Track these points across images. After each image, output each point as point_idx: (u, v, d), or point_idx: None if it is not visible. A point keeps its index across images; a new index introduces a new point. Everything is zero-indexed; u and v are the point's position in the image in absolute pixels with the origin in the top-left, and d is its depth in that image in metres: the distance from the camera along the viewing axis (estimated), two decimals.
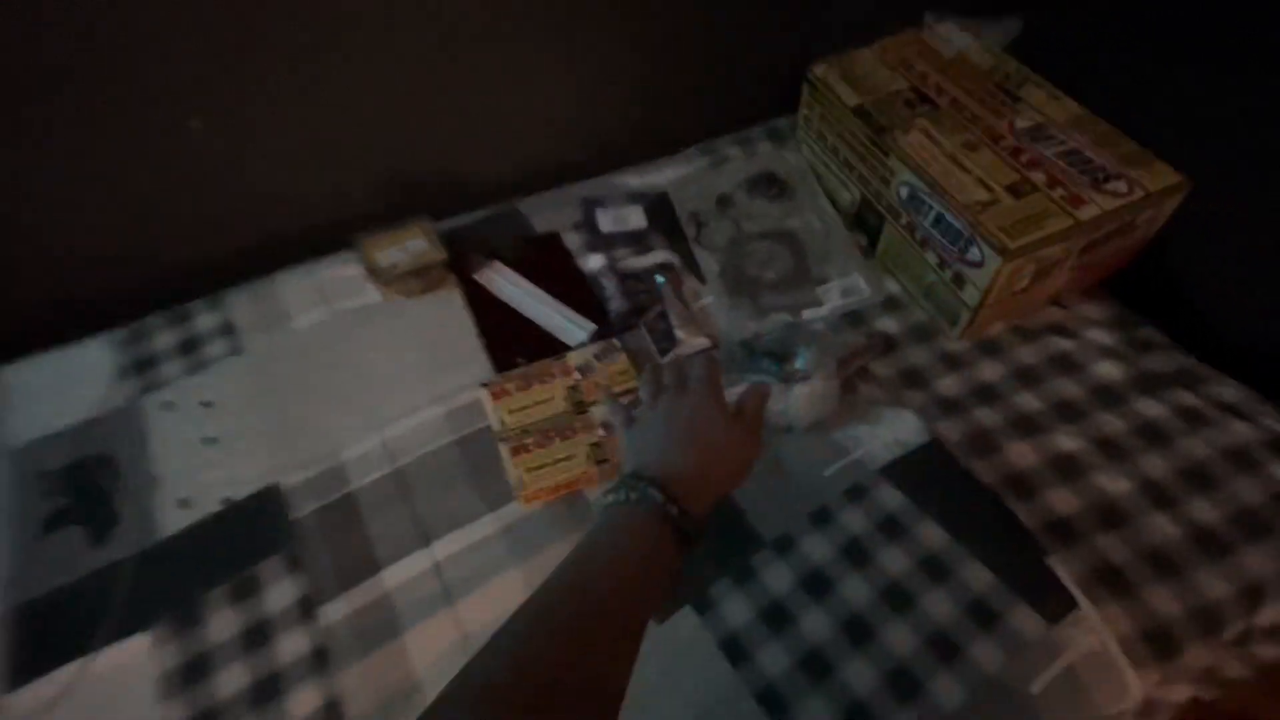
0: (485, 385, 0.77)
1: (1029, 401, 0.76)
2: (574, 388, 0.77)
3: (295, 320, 0.86)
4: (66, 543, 0.68)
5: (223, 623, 0.63)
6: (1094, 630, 0.60)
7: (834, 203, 0.97)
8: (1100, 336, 0.81)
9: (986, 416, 0.75)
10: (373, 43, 0.84)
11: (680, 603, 0.63)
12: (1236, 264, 0.79)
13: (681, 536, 0.43)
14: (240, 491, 0.72)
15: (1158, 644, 0.59)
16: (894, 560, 0.65)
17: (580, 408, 0.76)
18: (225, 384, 0.81)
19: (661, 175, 1.04)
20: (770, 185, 1.00)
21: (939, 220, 0.77)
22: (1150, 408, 0.74)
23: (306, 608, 0.64)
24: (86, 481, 0.73)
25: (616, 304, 0.87)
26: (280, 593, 0.65)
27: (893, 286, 0.89)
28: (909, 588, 0.63)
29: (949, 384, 0.79)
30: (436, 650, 0.61)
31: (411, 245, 0.88)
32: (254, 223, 0.94)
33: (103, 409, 0.78)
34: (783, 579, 0.65)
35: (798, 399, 0.74)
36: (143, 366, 0.82)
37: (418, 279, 0.88)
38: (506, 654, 0.36)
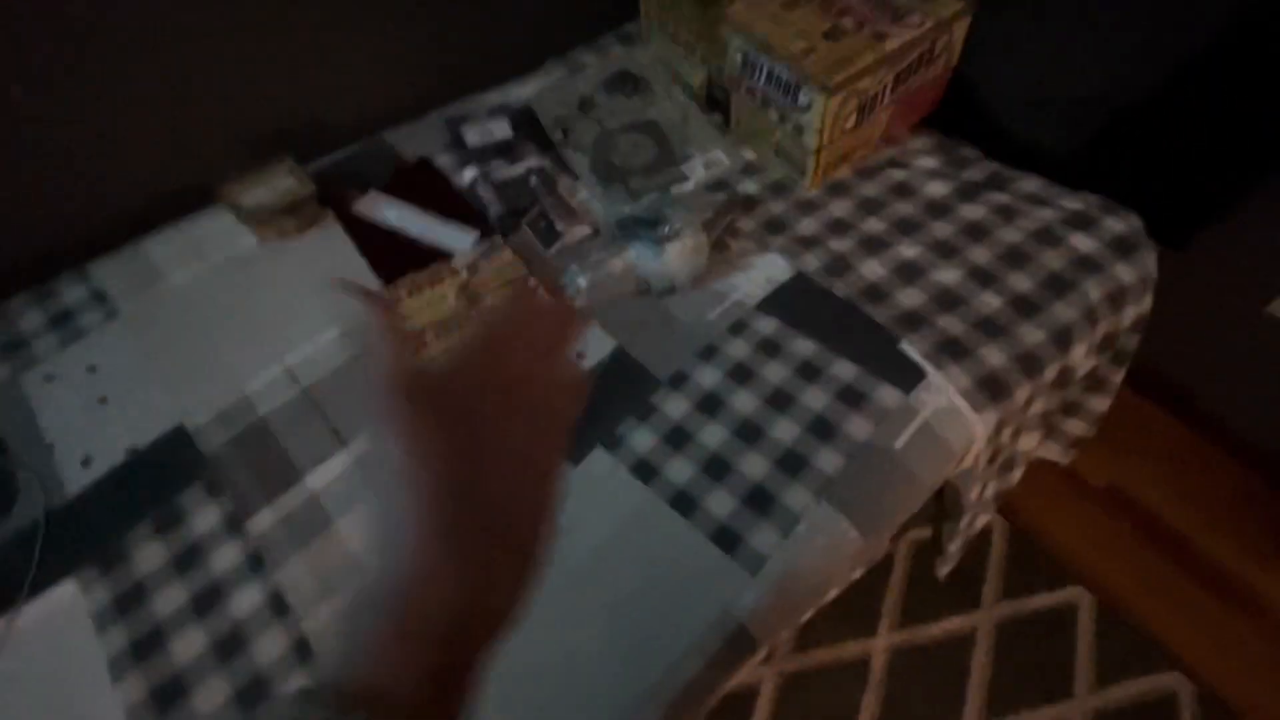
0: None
1: (874, 225, 0.85)
2: (464, 285, 0.80)
3: (169, 279, 0.85)
4: None
5: (150, 554, 0.64)
6: (940, 390, 0.70)
7: (686, 88, 1.03)
8: (927, 162, 0.91)
9: (841, 245, 0.84)
10: None
11: (590, 445, 0.69)
12: (1017, 77, 0.90)
13: None
14: (144, 439, 0.72)
15: (991, 389, 0.70)
16: (774, 372, 0.73)
17: (474, 299, 0.79)
18: (106, 348, 0.79)
19: (524, 89, 1.07)
20: (626, 83, 1.05)
21: (770, 75, 0.84)
22: (972, 211, 0.85)
23: (234, 523, 0.66)
24: None
25: (495, 209, 0.90)
26: (204, 517, 0.66)
27: (750, 154, 0.96)
28: (789, 391, 0.71)
29: (806, 225, 0.87)
30: (366, 530, 0.64)
31: (278, 183, 0.88)
32: (111, 190, 0.90)
33: None
34: (680, 406, 0.71)
35: (672, 256, 0.80)
36: (14, 347, 0.79)
37: (291, 217, 0.88)
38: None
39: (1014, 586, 1.12)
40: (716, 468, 0.67)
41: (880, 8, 0.84)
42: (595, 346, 0.78)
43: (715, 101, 0.99)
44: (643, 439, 0.69)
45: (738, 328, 0.77)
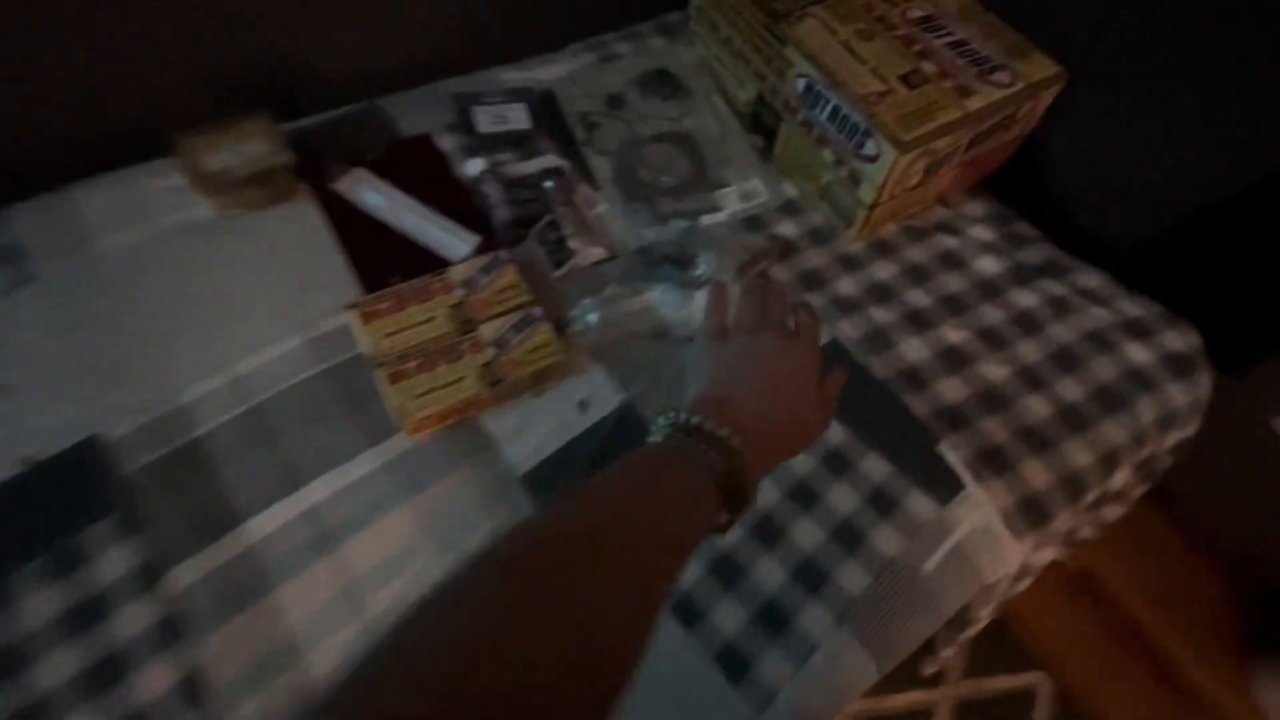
0: (354, 306, 0.67)
1: (919, 298, 0.77)
2: (458, 305, 0.69)
3: (101, 241, 0.71)
4: None
5: (40, 604, 0.52)
6: (979, 506, 0.63)
7: (729, 102, 0.92)
8: (981, 233, 0.83)
9: (882, 315, 0.76)
10: None
11: None
12: (1098, 160, 0.83)
13: (734, 499, 0.35)
14: (48, 449, 0.59)
15: (1032, 513, 0.64)
16: (798, 461, 0.65)
17: (468, 326, 0.68)
18: (14, 320, 0.65)
19: (545, 71, 0.94)
20: (663, 83, 0.93)
21: (835, 113, 0.74)
22: (1025, 298, 0.78)
23: (149, 575, 0.54)
24: None
25: (501, 213, 0.78)
26: (113, 561, 0.55)
27: (790, 190, 0.86)
28: (814, 485, 0.64)
29: (846, 285, 0.79)
30: (317, 602, 0.54)
31: (247, 148, 0.74)
32: (41, 120, 0.75)
33: None
34: None
35: (701, 304, 0.70)
36: None
37: (259, 188, 0.75)
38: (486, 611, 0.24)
39: (976, 665, 1.11)
40: (727, 570, 0.59)
41: (967, 57, 0.75)
42: (601, 397, 0.68)
43: (760, 123, 0.89)
44: None
45: None
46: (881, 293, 0.78)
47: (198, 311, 0.68)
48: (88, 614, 0.52)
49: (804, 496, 0.63)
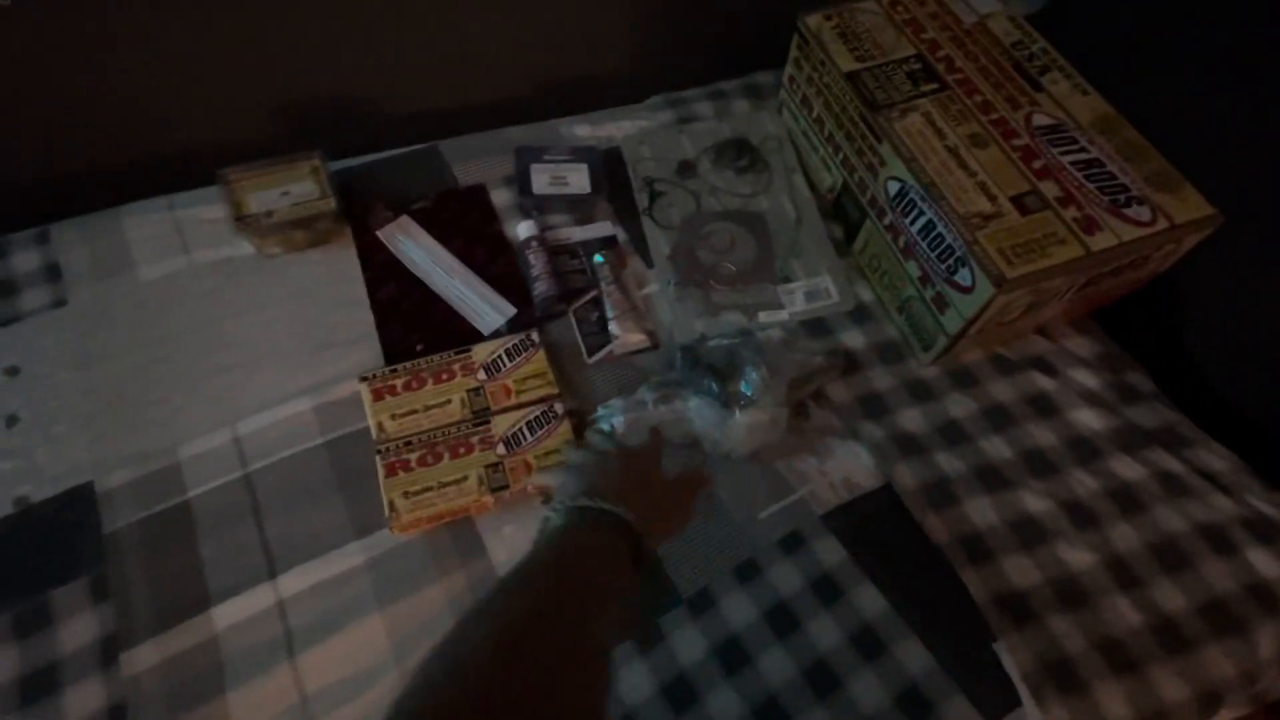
0: (366, 379, 0.63)
1: (998, 448, 0.67)
2: (476, 391, 0.64)
3: (137, 270, 0.70)
4: None
5: None
6: None
7: (812, 185, 0.83)
8: (1084, 378, 0.71)
9: (949, 462, 0.66)
10: None
11: None
12: (1245, 314, 0.69)
13: (638, 560, 0.39)
14: (41, 490, 0.58)
15: None
16: (824, 632, 0.56)
17: (482, 416, 0.63)
18: (40, 344, 0.65)
19: (617, 127, 0.88)
20: (741, 154, 0.85)
21: (929, 229, 0.64)
22: (1128, 469, 0.65)
23: (108, 651, 0.52)
24: None
25: (543, 286, 0.73)
26: (78, 629, 0.52)
27: (865, 293, 0.77)
28: (837, 667, 0.55)
29: (912, 417, 0.69)
30: (266, 716, 0.50)
31: (296, 188, 0.71)
32: (98, 137, 0.75)
33: None
34: (695, 647, 0.55)
35: (739, 429, 0.63)
36: None
37: (301, 230, 0.72)
38: (452, 687, 0.28)
39: None
40: None
41: (1098, 182, 0.63)
42: None
43: (843, 212, 0.80)
44: (638, 682, 0.54)
45: (792, 543, 0.61)
46: (953, 434, 0.68)
47: (218, 357, 0.66)
48: (39, 686, 0.50)
49: (822, 681, 0.54)
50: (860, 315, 0.75)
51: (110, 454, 0.60)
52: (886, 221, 0.71)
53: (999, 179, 0.63)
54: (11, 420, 0.61)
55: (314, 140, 0.74)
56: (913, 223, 0.66)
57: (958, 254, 0.62)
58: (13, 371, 0.63)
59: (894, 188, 0.68)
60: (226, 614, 0.54)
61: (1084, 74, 0.71)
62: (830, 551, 0.60)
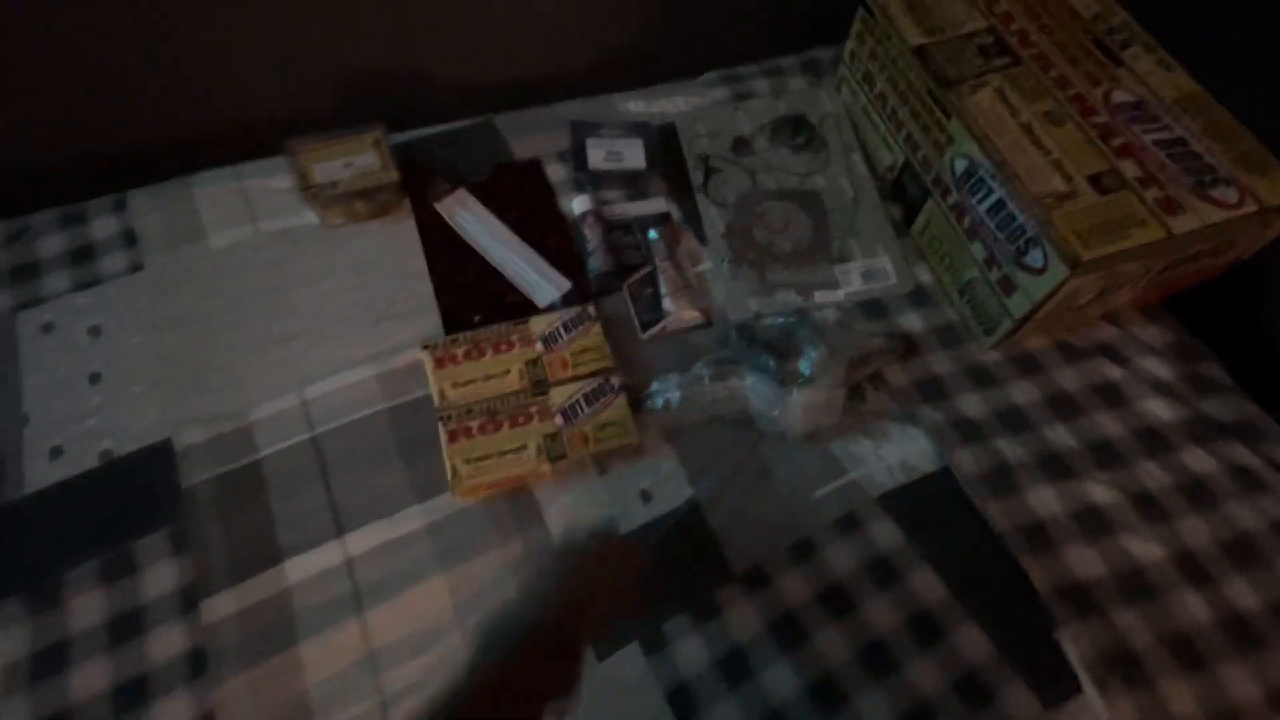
0: (428, 348, 0.65)
1: (1062, 436, 0.65)
2: (534, 362, 0.65)
3: (210, 237, 0.72)
4: None
5: (87, 608, 0.53)
6: None
7: (870, 164, 0.82)
8: (1155, 367, 0.69)
9: (1010, 448, 0.64)
10: None
11: (627, 638, 0.54)
12: None
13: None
14: (124, 445, 0.60)
15: None
16: (880, 615, 0.56)
17: (540, 387, 0.64)
18: (119, 307, 0.67)
19: (671, 103, 0.87)
20: (798, 132, 0.84)
21: (999, 208, 0.63)
22: (1200, 461, 0.63)
23: (189, 599, 0.54)
24: None
25: (598, 260, 0.73)
26: (159, 577, 0.55)
27: (924, 275, 0.75)
28: (893, 649, 0.55)
29: (973, 403, 0.67)
30: (336, 667, 0.52)
31: (359, 160, 0.73)
32: (172, 107, 0.77)
33: None
34: (750, 623, 0.56)
35: (795, 407, 0.62)
36: (22, 274, 0.68)
37: (364, 201, 0.73)
38: None
39: None
40: None
41: (1182, 162, 0.61)
42: (667, 489, 0.62)
43: (903, 192, 0.78)
44: (692, 654, 0.54)
45: (848, 524, 0.60)
46: (1015, 421, 0.66)
47: (284, 324, 0.68)
48: (126, 630, 0.53)
49: (878, 662, 0.54)
50: (919, 297, 0.74)
51: (185, 414, 0.62)
52: (951, 201, 0.69)
53: (1075, 158, 0.61)
54: (95, 378, 0.63)
55: (374, 114, 0.75)
56: (980, 202, 0.65)
57: (1029, 235, 0.60)
58: (95, 332, 0.66)
59: (962, 166, 0.66)
60: (297, 569, 0.56)
61: (1169, 49, 0.68)
62: (887, 534, 0.60)
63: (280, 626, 0.53)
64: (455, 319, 0.69)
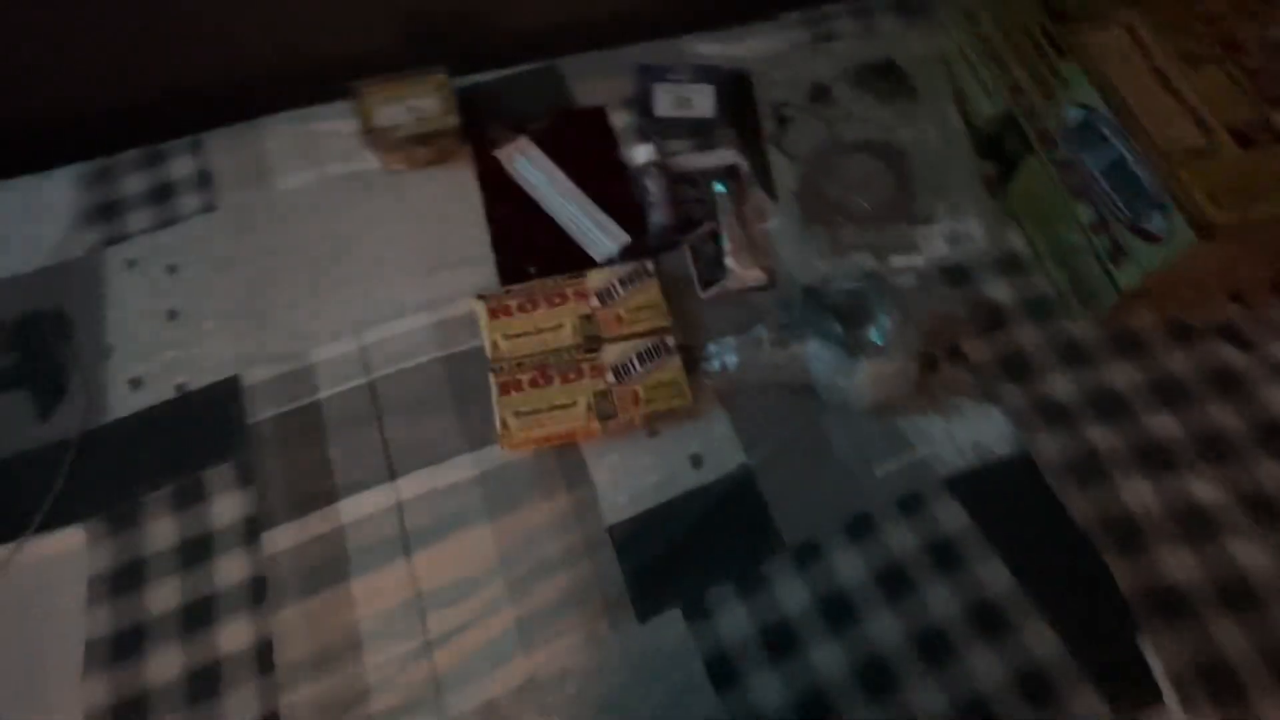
0: (483, 298, 0.64)
1: (1167, 425, 0.58)
2: (588, 317, 0.63)
3: (279, 179, 0.73)
4: (11, 409, 0.61)
5: (162, 530, 0.57)
6: None
7: (966, 114, 0.74)
8: None
9: (1102, 436, 0.58)
10: None
11: (667, 600, 0.53)
12: None
13: None
14: (198, 379, 0.63)
15: None
16: (941, 601, 0.53)
17: (593, 343, 0.62)
18: (195, 246, 0.69)
19: (745, 46, 0.81)
20: (885, 77, 0.77)
21: (1119, 165, 0.55)
22: None
23: (252, 530, 0.56)
24: (38, 340, 0.65)
25: (659, 215, 0.70)
26: (226, 506, 0.57)
27: (1016, 240, 0.68)
28: (953, 639, 0.51)
29: (1062, 384, 0.61)
30: (384, 605, 0.54)
31: (420, 104, 0.71)
32: (242, 50, 0.77)
33: (60, 256, 0.69)
34: (798, 596, 0.53)
35: (863, 377, 0.58)
36: (108, 212, 0.71)
37: (424, 146, 0.72)
38: None
39: None
40: (818, 712, 0.49)
41: None
42: (719, 454, 0.59)
43: (999, 147, 0.70)
44: (735, 623, 0.53)
45: (911, 504, 0.57)
46: (1111, 406, 0.60)
47: (345, 268, 0.68)
48: (195, 554, 0.56)
49: (934, 650, 0.51)
50: (1008, 264, 0.67)
51: (251, 352, 0.64)
52: (1059, 156, 0.61)
53: (1217, 106, 0.53)
54: (172, 314, 0.66)
55: (438, 57, 0.73)
56: (1097, 159, 0.57)
57: (1153, 195, 0.52)
58: (172, 269, 0.68)
59: (1076, 115, 0.58)
60: (351, 508, 0.57)
61: None
62: (952, 517, 0.56)
63: (334, 562, 0.55)
64: (511, 270, 0.68)
